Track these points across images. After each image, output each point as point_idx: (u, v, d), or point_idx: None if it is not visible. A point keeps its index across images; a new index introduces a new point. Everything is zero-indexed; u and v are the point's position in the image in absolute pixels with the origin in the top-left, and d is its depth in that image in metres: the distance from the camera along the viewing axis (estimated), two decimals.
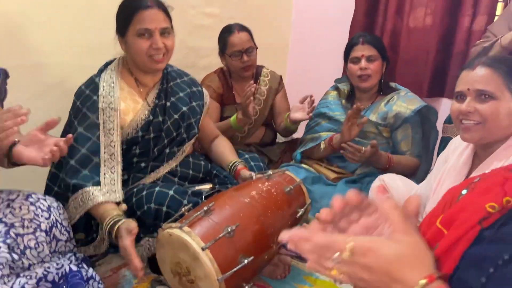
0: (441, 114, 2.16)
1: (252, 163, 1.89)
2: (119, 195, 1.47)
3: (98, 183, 1.47)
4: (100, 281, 1.44)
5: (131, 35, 1.56)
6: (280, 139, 2.58)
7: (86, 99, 1.57)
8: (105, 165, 1.51)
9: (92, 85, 1.60)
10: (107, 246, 1.63)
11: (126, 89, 1.65)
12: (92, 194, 1.44)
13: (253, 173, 1.65)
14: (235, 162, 1.77)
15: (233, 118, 2.16)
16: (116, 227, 1.35)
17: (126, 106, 1.62)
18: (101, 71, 1.67)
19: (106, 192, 1.46)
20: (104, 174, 1.50)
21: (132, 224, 1.31)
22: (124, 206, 1.48)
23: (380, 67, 2.06)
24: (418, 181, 1.76)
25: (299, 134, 2.44)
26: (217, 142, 1.92)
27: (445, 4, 2.42)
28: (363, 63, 2.03)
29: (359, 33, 2.17)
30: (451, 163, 1.43)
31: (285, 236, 0.59)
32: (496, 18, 2.30)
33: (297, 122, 2.21)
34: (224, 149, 1.87)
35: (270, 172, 1.60)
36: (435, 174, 1.52)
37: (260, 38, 2.36)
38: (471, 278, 0.59)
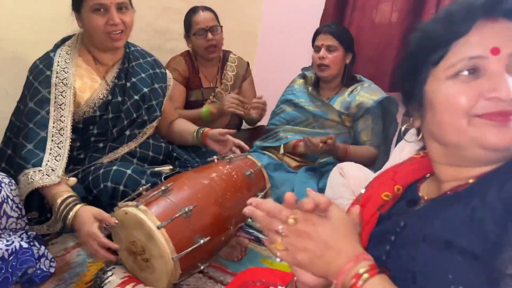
0: (401, 107, 2.23)
1: None
2: (57, 176, 1.40)
3: (40, 163, 1.42)
4: (53, 259, 1.42)
5: (86, 11, 1.51)
6: (245, 125, 2.58)
7: (39, 74, 1.53)
8: (52, 140, 1.47)
9: (46, 60, 1.55)
10: (61, 226, 1.59)
11: (83, 67, 1.61)
12: (31, 177, 1.38)
13: (215, 156, 1.66)
14: (199, 128, 1.78)
15: (205, 110, 2.16)
16: (74, 211, 1.32)
17: (82, 84, 1.58)
18: (57, 46, 1.61)
19: (44, 174, 1.40)
20: (51, 149, 1.46)
21: (105, 214, 1.28)
22: (72, 180, 1.45)
23: (340, 58, 2.09)
24: (377, 170, 1.82)
25: (264, 121, 2.46)
26: (175, 123, 1.91)
27: (410, 1, 2.47)
28: (322, 52, 2.08)
29: (326, 23, 2.21)
30: (406, 152, 1.49)
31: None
32: None
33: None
34: (185, 125, 1.88)
35: (232, 155, 1.60)
36: (391, 163, 1.58)
37: (230, 24, 2.35)
38: (377, 250, 0.67)
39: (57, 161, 1.45)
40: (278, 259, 0.63)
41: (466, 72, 0.62)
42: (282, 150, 2.18)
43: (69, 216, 1.32)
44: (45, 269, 1.37)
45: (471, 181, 0.65)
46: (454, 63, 0.63)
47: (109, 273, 1.40)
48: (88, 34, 1.58)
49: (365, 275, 0.57)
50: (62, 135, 1.49)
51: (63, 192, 1.37)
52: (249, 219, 1.66)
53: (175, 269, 1.11)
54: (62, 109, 1.50)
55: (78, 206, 1.32)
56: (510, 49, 0.61)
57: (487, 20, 0.63)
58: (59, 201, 1.35)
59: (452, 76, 0.63)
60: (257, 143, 2.28)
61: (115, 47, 1.60)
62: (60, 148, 1.47)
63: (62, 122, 1.50)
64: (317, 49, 2.11)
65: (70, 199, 1.35)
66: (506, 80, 0.60)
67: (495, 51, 0.61)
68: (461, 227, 0.57)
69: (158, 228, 1.10)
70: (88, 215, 1.28)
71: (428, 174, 0.78)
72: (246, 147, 1.73)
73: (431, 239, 0.60)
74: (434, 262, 0.57)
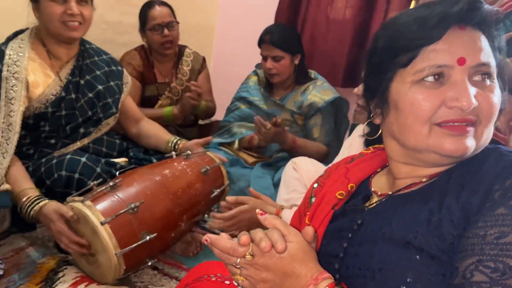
0: (353, 103, 2.28)
1: None
2: (1, 176, 1.40)
3: None
4: (1, 261, 1.39)
5: (44, 0, 1.49)
6: (201, 120, 2.58)
7: None
8: (2, 136, 1.45)
9: None
10: (8, 225, 1.56)
11: (37, 61, 1.57)
12: None
13: (173, 152, 1.66)
14: (174, 139, 1.78)
15: (167, 111, 2.14)
16: (37, 207, 1.32)
17: (35, 79, 1.54)
18: (9, 39, 1.57)
19: None
20: None
21: (63, 208, 1.28)
22: (6, 186, 1.42)
23: (287, 64, 2.09)
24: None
25: (219, 116, 2.46)
26: (145, 124, 1.88)
27: None
28: (268, 63, 2.08)
29: (268, 28, 2.15)
30: (355, 148, 1.54)
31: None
32: None
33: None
34: (158, 130, 1.86)
35: (189, 152, 1.60)
36: (340, 157, 1.63)
37: (186, 18, 2.34)
38: (334, 247, 0.69)
39: (4, 158, 1.42)
40: (239, 287, 0.65)
41: (431, 78, 0.63)
42: (236, 145, 2.19)
43: (32, 213, 1.34)
44: None
45: (424, 179, 0.68)
46: (422, 69, 0.63)
47: (61, 274, 1.39)
48: (44, 24, 1.55)
49: None
50: (10, 131, 1.46)
51: (28, 190, 1.38)
52: (206, 215, 1.67)
53: (118, 265, 1.12)
54: (12, 104, 1.46)
55: (41, 204, 1.33)
56: (474, 61, 0.62)
57: (457, 27, 0.63)
58: (24, 199, 1.36)
59: (418, 81, 0.64)
60: (213, 139, 2.28)
61: (71, 37, 1.57)
62: (8, 144, 1.45)
63: (11, 117, 1.46)
64: (264, 58, 2.11)
65: (33, 197, 1.36)
66: (468, 90, 0.61)
67: (461, 61, 0.62)
68: (418, 228, 0.60)
69: (102, 223, 1.10)
70: (51, 212, 1.28)
71: (379, 169, 0.81)
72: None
73: (389, 237, 0.62)
74: (392, 260, 0.60)
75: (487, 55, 0.64)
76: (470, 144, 0.62)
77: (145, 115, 2.00)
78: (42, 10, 1.51)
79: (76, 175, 1.45)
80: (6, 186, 1.42)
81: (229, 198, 1.43)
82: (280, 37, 2.08)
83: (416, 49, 0.64)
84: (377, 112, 0.73)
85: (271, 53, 2.06)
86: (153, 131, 1.85)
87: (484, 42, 0.64)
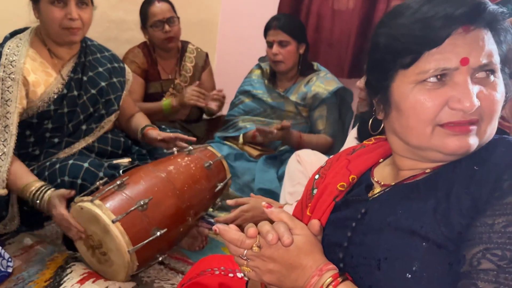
0: (357, 94, 2.28)
1: None
2: (2, 180, 1.42)
3: None
4: (10, 259, 1.40)
5: (44, 2, 1.49)
6: (206, 116, 2.59)
7: None
8: None
9: None
10: (18, 224, 1.57)
11: (38, 60, 1.56)
12: None
13: (174, 148, 1.66)
14: (145, 126, 1.78)
15: (166, 103, 2.15)
16: (46, 197, 1.36)
17: (36, 78, 1.54)
18: (7, 38, 1.57)
19: None
20: None
21: (64, 191, 1.34)
22: (3, 191, 1.44)
23: (293, 51, 2.10)
24: None
25: (224, 111, 2.46)
26: (133, 118, 1.90)
27: None
28: (274, 48, 2.08)
29: (275, 15, 2.20)
30: None
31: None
32: None
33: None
34: (139, 121, 1.86)
35: (191, 147, 1.61)
36: (346, 148, 1.63)
37: (188, 14, 2.34)
38: (338, 236, 0.70)
39: (2, 160, 1.43)
40: (246, 278, 0.67)
41: (434, 79, 0.62)
42: (241, 140, 2.20)
43: (42, 203, 1.38)
44: (2, 269, 1.35)
45: (428, 170, 0.68)
46: (426, 70, 0.62)
47: (68, 270, 1.41)
48: (44, 27, 1.55)
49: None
50: (7, 133, 1.46)
51: (32, 183, 1.42)
52: (210, 209, 1.69)
53: (132, 261, 1.13)
54: (8, 105, 1.46)
55: (48, 193, 1.37)
56: (477, 62, 0.61)
57: (461, 29, 0.62)
58: (30, 191, 1.40)
59: (421, 82, 0.63)
60: (218, 134, 2.30)
61: (71, 41, 1.57)
62: (4, 146, 1.44)
63: (8, 119, 1.46)
64: (269, 44, 2.11)
65: (40, 188, 1.40)
66: (470, 91, 0.60)
67: (465, 61, 0.61)
68: (424, 217, 0.60)
69: (113, 222, 1.11)
70: (54, 198, 1.34)
71: (382, 160, 0.81)
72: (192, 139, 1.72)
73: (395, 226, 0.62)
74: (398, 249, 0.60)
75: (491, 53, 0.63)
76: (473, 142, 0.62)
77: (145, 109, 2.02)
78: (42, 12, 1.51)
79: (79, 181, 1.46)
80: (2, 191, 1.44)
81: (229, 201, 1.48)
82: (287, 22, 2.10)
83: (419, 52, 0.63)
84: (380, 107, 0.72)
85: (277, 38, 2.07)
86: (138, 122, 1.85)
87: (488, 39, 0.63)
